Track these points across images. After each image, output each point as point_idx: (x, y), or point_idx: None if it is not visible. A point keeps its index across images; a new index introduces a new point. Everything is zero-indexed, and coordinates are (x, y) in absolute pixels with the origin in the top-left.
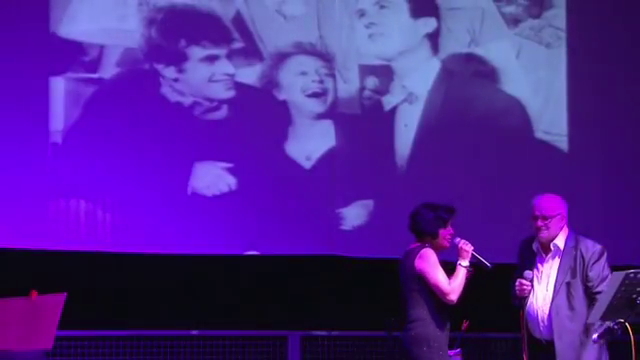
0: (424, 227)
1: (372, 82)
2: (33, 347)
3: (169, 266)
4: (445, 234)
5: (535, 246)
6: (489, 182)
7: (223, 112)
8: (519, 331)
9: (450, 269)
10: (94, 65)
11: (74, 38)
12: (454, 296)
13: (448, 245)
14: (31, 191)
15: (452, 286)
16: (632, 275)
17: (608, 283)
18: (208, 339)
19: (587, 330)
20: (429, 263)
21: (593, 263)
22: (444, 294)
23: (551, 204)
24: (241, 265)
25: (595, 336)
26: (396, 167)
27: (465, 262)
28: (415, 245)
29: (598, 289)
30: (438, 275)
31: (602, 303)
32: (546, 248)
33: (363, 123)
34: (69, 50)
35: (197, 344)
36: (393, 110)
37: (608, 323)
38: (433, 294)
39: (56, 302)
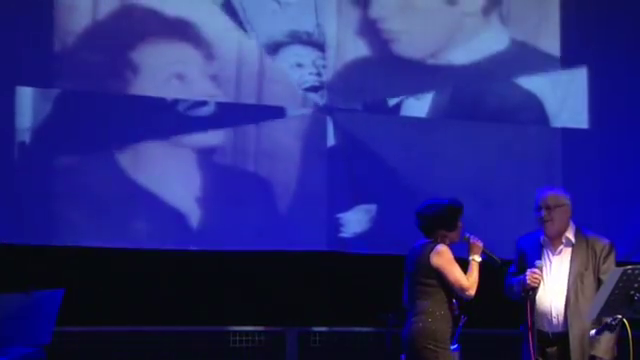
0: (439, 221)
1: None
2: (31, 343)
3: (167, 262)
4: (459, 227)
5: (542, 239)
6: (498, 181)
7: (210, 107)
8: (518, 327)
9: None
10: None
11: None
12: (472, 291)
13: (459, 239)
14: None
15: (470, 282)
16: (630, 271)
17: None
18: (206, 335)
19: (599, 323)
20: (447, 260)
21: (605, 256)
22: (464, 290)
23: (554, 195)
24: (239, 261)
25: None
26: (399, 165)
27: (478, 257)
28: (427, 241)
29: None
30: (456, 271)
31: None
32: (555, 241)
33: (364, 119)
34: None
35: (195, 339)
36: (397, 105)
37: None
38: (446, 289)
39: (54, 298)
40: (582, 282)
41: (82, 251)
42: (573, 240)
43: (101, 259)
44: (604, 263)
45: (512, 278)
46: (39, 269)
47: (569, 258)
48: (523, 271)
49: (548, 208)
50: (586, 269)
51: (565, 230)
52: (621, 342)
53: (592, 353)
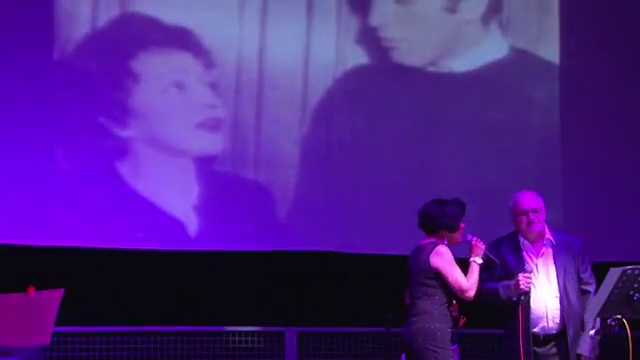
0: (443, 221)
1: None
2: (31, 343)
3: (167, 262)
4: (461, 228)
5: (522, 242)
6: (498, 187)
7: (210, 115)
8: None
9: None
10: None
11: None
12: (472, 292)
13: (461, 240)
14: None
15: (470, 283)
16: (629, 271)
17: (605, 279)
18: (205, 335)
19: (582, 323)
20: (446, 260)
21: (583, 254)
22: (463, 291)
23: (537, 198)
24: (239, 261)
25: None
26: (397, 164)
27: (479, 259)
28: (429, 240)
29: (590, 280)
30: (456, 272)
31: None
32: (536, 243)
33: (364, 125)
34: None
35: (194, 339)
36: (397, 112)
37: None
38: (445, 290)
39: (53, 298)
40: (570, 282)
41: (82, 251)
42: (553, 241)
43: (101, 259)
44: (583, 262)
45: (494, 283)
46: (39, 269)
47: (552, 259)
48: (505, 276)
49: (535, 211)
50: (570, 270)
51: (544, 232)
52: (621, 342)
53: (578, 352)
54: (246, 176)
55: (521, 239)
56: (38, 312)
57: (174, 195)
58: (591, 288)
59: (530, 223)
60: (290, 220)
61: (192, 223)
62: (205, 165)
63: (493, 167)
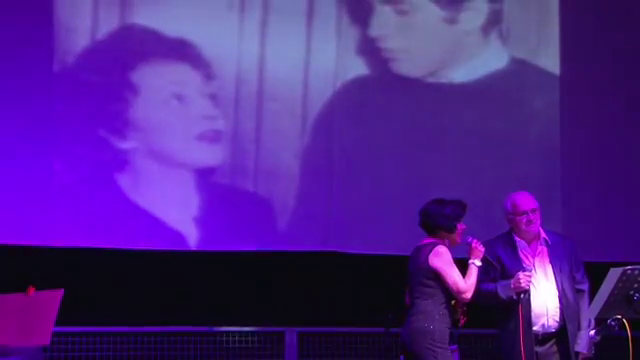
0: (441, 221)
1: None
2: (31, 343)
3: (166, 262)
4: (460, 229)
5: (518, 241)
6: (498, 195)
7: (210, 127)
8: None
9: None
10: None
11: None
12: (470, 294)
13: (460, 241)
14: None
15: (467, 285)
16: (629, 272)
17: (605, 279)
18: (205, 335)
19: (579, 321)
20: (445, 261)
21: (576, 254)
22: (460, 292)
23: (533, 198)
24: (238, 261)
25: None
26: (397, 174)
27: (478, 262)
28: (429, 240)
29: (583, 280)
30: (454, 273)
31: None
32: (532, 243)
33: (365, 135)
34: None
35: (194, 340)
36: (397, 123)
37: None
38: (444, 290)
39: (53, 298)
40: (566, 280)
41: (82, 251)
42: (549, 240)
43: (101, 259)
44: (576, 261)
45: (491, 284)
46: (39, 269)
47: (548, 258)
48: (502, 276)
49: (534, 211)
50: (565, 267)
51: (540, 232)
52: (621, 342)
53: (576, 350)
54: (246, 188)
55: (516, 238)
56: (38, 312)
57: (174, 207)
58: (585, 287)
59: (530, 223)
60: (290, 230)
61: (192, 235)
62: (205, 177)
63: (493, 177)
